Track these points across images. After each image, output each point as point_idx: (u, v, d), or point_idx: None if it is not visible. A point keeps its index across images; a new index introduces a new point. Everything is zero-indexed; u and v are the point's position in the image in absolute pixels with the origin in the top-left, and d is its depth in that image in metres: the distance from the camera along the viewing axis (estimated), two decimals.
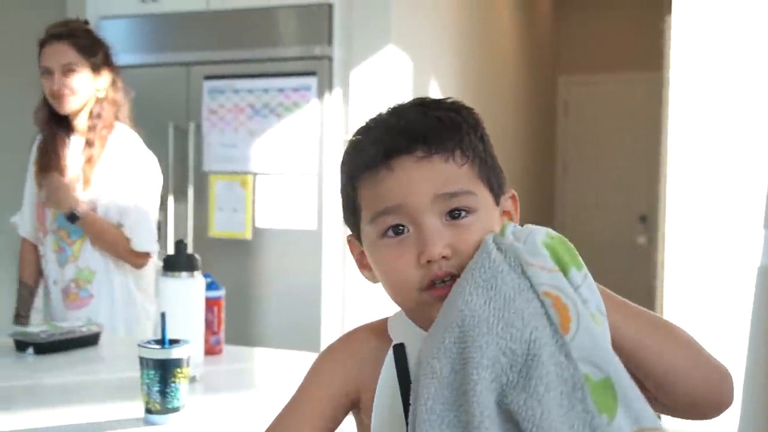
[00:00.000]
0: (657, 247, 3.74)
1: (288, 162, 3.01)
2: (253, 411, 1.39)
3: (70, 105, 2.09)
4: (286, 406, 0.89)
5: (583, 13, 6.58)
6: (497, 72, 4.83)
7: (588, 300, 0.72)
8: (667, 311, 2.81)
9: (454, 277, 0.76)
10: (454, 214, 0.78)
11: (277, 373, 1.76)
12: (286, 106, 3.02)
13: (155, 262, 2.21)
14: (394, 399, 0.80)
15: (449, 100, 0.84)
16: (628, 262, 6.10)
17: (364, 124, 0.85)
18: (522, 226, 0.79)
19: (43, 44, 2.12)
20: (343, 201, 0.86)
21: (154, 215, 2.17)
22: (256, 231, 3.05)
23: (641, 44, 6.06)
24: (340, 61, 3.01)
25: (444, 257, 0.76)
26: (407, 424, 0.75)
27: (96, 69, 2.11)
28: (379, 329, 0.88)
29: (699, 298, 2.74)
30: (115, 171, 2.11)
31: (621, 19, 6.41)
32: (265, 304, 3.04)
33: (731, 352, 2.67)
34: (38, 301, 2.37)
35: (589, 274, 0.74)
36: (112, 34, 3.28)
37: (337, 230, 3.00)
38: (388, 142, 0.78)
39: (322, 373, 0.90)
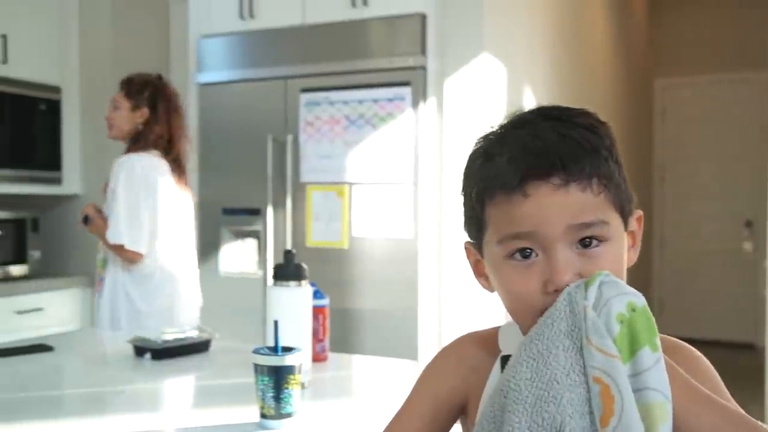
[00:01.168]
0: (766, 253, 3.57)
1: (383, 172, 3.04)
2: (359, 417, 1.41)
3: (111, 132, 2.67)
4: (396, 413, 0.91)
5: (679, 12, 6.36)
6: (591, 77, 4.74)
7: (652, 387, 0.68)
8: None
9: None
10: (585, 242, 0.77)
11: (380, 380, 1.77)
12: (381, 117, 3.05)
13: (145, 264, 2.56)
14: None
15: (581, 113, 0.81)
16: (733, 270, 5.85)
17: (492, 129, 0.83)
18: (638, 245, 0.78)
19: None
20: (466, 211, 0.84)
21: (141, 217, 2.53)
22: (353, 240, 3.09)
23: (744, 42, 5.82)
24: (434, 70, 3.02)
25: None
26: None
27: (135, 108, 2.63)
28: (487, 338, 0.88)
29: None
30: (114, 184, 2.56)
31: (720, 16, 6.17)
32: (362, 312, 3.07)
33: None
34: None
35: (663, 358, 0.70)
36: (213, 51, 3.41)
37: (433, 239, 3.01)
38: (525, 166, 0.76)
39: (430, 380, 0.91)
